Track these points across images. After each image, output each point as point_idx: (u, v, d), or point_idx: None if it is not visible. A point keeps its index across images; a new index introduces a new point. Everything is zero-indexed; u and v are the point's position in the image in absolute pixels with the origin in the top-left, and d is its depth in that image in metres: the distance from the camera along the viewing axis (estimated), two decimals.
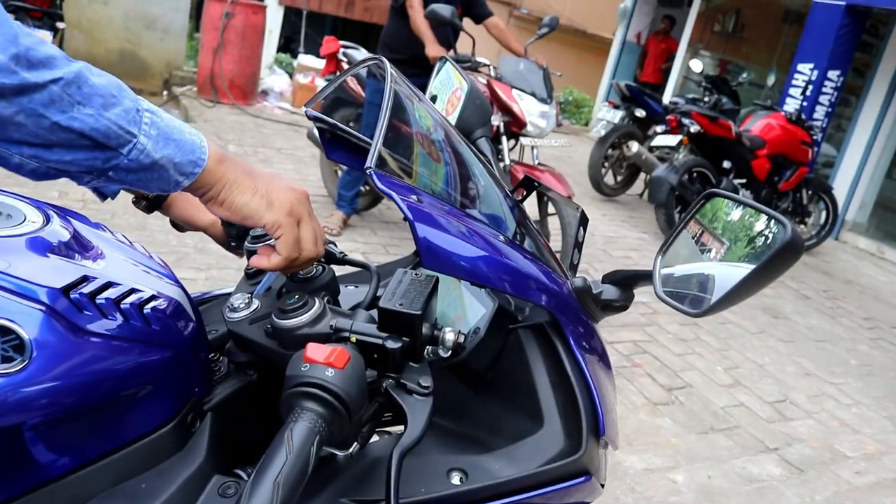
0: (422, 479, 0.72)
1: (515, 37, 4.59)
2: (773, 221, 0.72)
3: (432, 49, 4.08)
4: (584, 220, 0.97)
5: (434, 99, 1.22)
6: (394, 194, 0.65)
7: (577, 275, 0.96)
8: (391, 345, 0.67)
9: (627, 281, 0.87)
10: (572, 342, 0.80)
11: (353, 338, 0.68)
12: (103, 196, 1.03)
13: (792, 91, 7.21)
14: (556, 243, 3.93)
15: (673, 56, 10.73)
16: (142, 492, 0.68)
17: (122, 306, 0.69)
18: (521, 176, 3.87)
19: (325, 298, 0.75)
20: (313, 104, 0.88)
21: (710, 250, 0.77)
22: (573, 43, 15.32)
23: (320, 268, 0.81)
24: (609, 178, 7.37)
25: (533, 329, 0.83)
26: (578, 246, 0.95)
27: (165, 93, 7.82)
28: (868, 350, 4.56)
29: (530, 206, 4.12)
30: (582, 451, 0.74)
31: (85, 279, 0.68)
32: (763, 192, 6.25)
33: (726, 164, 6.08)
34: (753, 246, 0.73)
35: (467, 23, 4.59)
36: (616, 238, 5.91)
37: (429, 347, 0.73)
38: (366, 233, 4.62)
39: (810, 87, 7.01)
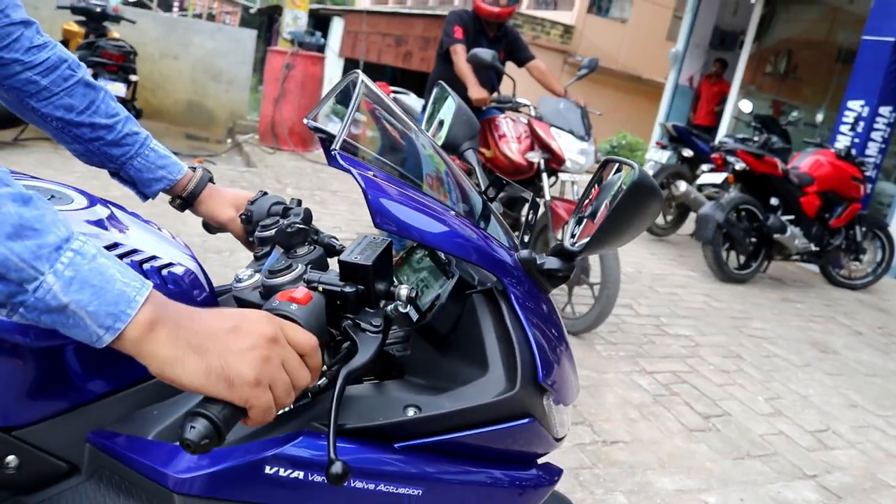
0: (381, 412, 0.85)
1: (556, 79, 4.77)
2: (625, 167, 0.86)
3: (474, 91, 4.29)
4: (534, 205, 1.09)
5: (441, 123, 1.37)
6: (352, 169, 0.81)
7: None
8: (348, 290, 0.82)
9: (566, 254, 0.98)
10: (514, 302, 0.92)
11: (321, 287, 0.83)
12: (144, 196, 1.23)
13: (842, 128, 7.18)
14: (594, 276, 4.02)
15: (726, 98, 10.75)
16: (153, 418, 0.84)
17: (144, 267, 0.85)
18: (561, 212, 4.02)
19: (308, 265, 0.91)
20: (314, 116, 1.03)
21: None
22: (627, 88, 15.50)
23: (312, 247, 0.97)
24: (658, 218, 7.41)
25: (485, 294, 0.96)
26: (529, 226, 1.07)
27: (229, 140, 8.24)
28: None
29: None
30: (516, 389, 0.87)
31: (116, 245, 0.85)
32: (813, 228, 6.21)
33: (774, 202, 6.08)
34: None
35: (510, 66, 4.80)
36: (663, 276, 5.94)
37: (392, 305, 0.87)
38: None
39: (860, 123, 6.97)
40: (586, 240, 0.88)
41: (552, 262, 0.97)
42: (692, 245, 7.16)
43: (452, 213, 0.94)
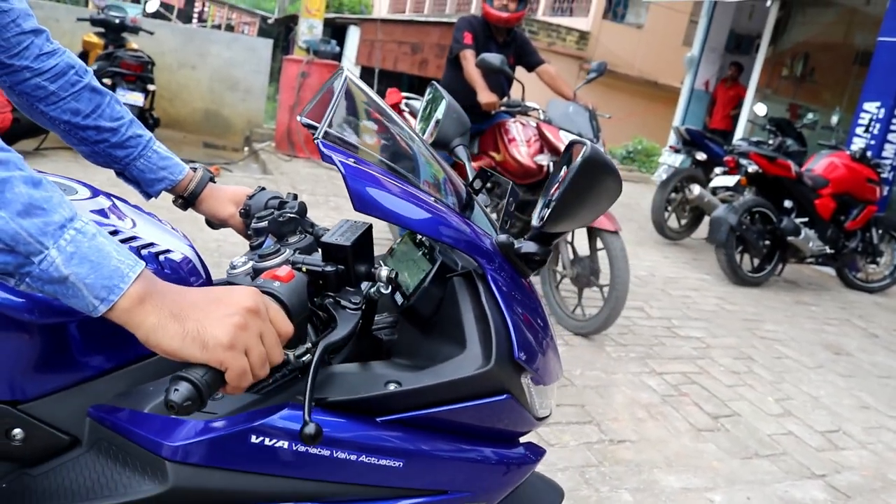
0: (363, 387, 0.90)
1: (566, 82, 4.80)
2: (583, 146, 0.90)
3: (483, 96, 4.33)
4: (513, 193, 1.13)
5: (438, 123, 1.41)
6: (333, 156, 0.86)
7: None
8: (328, 269, 0.87)
9: (543, 238, 1.02)
10: (492, 284, 0.96)
11: (304, 268, 0.88)
12: (148, 195, 1.29)
13: (858, 130, 7.14)
14: (604, 279, 4.05)
15: (742, 102, 10.73)
16: (149, 393, 0.89)
17: (142, 253, 0.91)
18: None
19: (296, 250, 0.96)
20: (306, 113, 1.08)
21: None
22: (643, 93, 15.49)
23: (303, 235, 1.02)
24: (672, 222, 7.42)
25: (465, 276, 1.00)
26: (509, 214, 1.11)
27: (246, 149, 8.35)
28: None
29: (581, 241, 4.28)
30: (491, 364, 0.91)
31: (116, 232, 0.90)
32: (828, 231, 6.19)
33: (788, 204, 6.07)
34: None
35: (520, 70, 4.85)
36: (676, 279, 5.94)
37: (374, 287, 0.92)
38: None
39: (875, 125, 6.94)
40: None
41: (529, 246, 1.01)
42: (706, 249, 7.15)
43: (432, 199, 0.99)
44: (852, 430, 3.56)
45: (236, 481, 0.83)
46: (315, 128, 1.11)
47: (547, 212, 0.93)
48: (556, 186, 0.94)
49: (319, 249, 0.97)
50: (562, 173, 0.95)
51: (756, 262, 6.16)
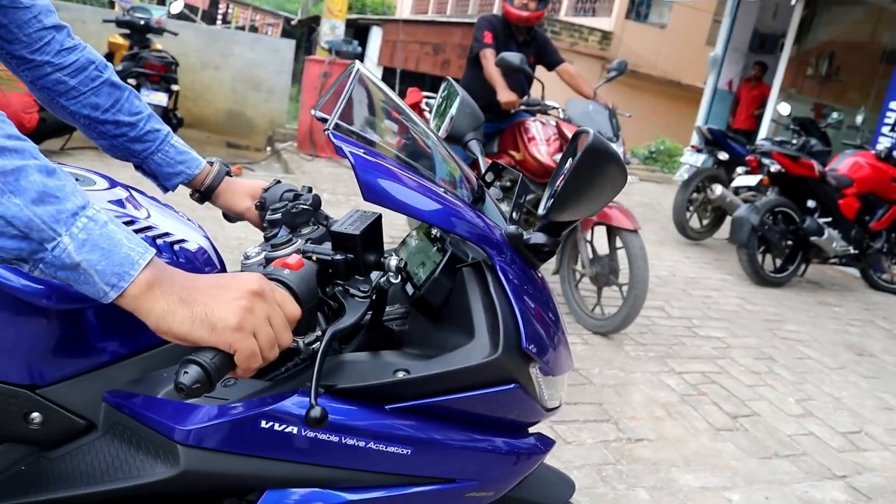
0: (372, 374, 0.91)
1: (586, 82, 4.80)
2: (587, 135, 0.90)
3: (503, 95, 4.34)
4: (524, 184, 1.14)
5: (453, 118, 1.42)
6: (343, 146, 0.87)
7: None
8: (337, 258, 0.89)
9: (552, 229, 1.03)
10: (500, 274, 0.97)
11: (314, 256, 0.90)
12: (165, 189, 1.31)
13: (884, 129, 7.05)
14: (624, 278, 4.04)
15: (766, 102, 10.63)
16: (163, 379, 0.91)
17: (157, 242, 0.93)
18: None
19: (308, 241, 0.97)
20: (319, 106, 1.10)
21: None
22: (666, 93, 15.40)
23: (315, 227, 1.04)
24: (694, 222, 7.37)
25: (474, 267, 1.01)
26: (518, 206, 1.11)
27: (269, 149, 8.42)
28: None
29: (600, 240, 4.27)
30: (498, 352, 0.92)
31: (132, 222, 0.93)
32: (852, 231, 6.11)
33: (811, 204, 6.00)
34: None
35: (540, 69, 4.85)
36: (697, 279, 5.90)
37: (384, 277, 0.93)
38: None
39: None
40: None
41: (537, 237, 1.02)
42: (728, 249, 7.09)
43: (442, 190, 1.00)
44: (874, 431, 3.51)
45: (246, 465, 0.85)
46: (326, 120, 1.13)
47: (551, 201, 0.94)
48: (561, 177, 0.94)
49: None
50: (567, 164, 0.95)
51: (778, 262, 6.10)
